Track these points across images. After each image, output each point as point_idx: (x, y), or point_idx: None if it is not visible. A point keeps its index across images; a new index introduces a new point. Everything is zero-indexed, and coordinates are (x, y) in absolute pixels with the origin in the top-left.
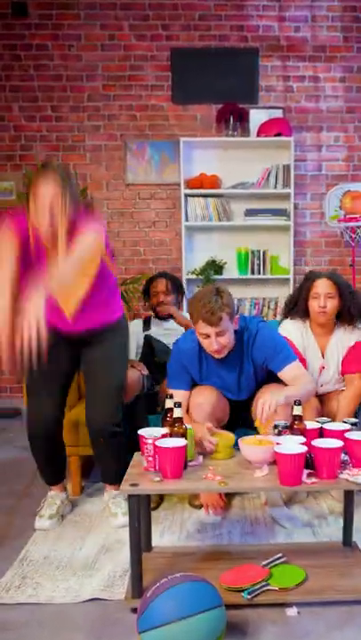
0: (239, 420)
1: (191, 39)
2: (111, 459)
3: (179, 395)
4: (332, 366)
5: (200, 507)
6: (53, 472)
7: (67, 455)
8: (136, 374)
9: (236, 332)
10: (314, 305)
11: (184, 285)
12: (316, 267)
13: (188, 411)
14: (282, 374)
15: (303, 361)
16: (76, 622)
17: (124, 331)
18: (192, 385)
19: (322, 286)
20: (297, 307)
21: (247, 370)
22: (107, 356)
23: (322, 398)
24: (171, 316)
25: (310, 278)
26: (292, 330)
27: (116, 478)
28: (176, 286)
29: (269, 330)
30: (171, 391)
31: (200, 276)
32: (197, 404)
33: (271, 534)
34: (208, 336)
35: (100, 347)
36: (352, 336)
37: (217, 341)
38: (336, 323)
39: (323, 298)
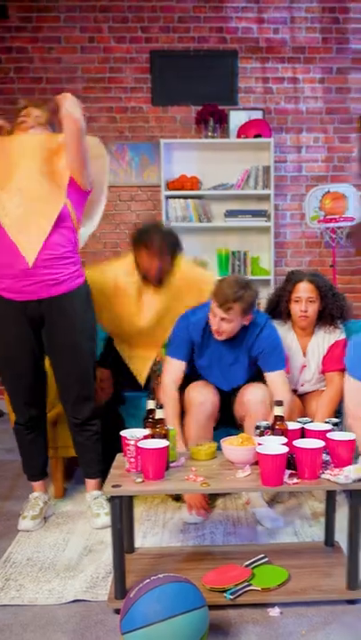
0: (222, 416)
1: (170, 41)
2: (91, 447)
3: (175, 364)
4: (313, 365)
5: (182, 500)
6: (37, 465)
7: (48, 456)
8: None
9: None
10: (295, 308)
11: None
12: (296, 268)
13: (176, 383)
14: (269, 375)
15: (288, 358)
16: (59, 624)
17: (85, 304)
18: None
19: (303, 290)
20: (278, 308)
21: (242, 360)
22: (71, 343)
23: (303, 398)
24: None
25: (292, 280)
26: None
27: (97, 469)
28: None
29: (275, 330)
30: (168, 359)
31: None
32: (199, 403)
33: (253, 535)
34: (215, 315)
35: (63, 329)
36: (333, 335)
37: (219, 324)
38: (317, 323)
39: (304, 302)
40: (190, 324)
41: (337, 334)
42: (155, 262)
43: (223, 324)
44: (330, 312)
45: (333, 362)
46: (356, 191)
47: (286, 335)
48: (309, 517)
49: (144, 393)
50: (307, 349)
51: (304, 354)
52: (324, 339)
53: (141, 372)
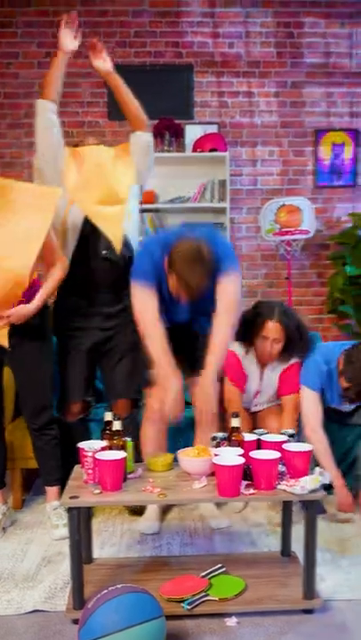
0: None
1: (127, 56)
2: (50, 452)
3: (145, 291)
4: (267, 391)
5: (138, 512)
6: None
7: (6, 467)
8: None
9: None
10: (261, 345)
11: None
12: (267, 299)
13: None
14: (221, 283)
15: (244, 376)
16: (18, 634)
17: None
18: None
19: (272, 331)
20: (244, 336)
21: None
22: (31, 354)
23: (257, 415)
24: None
25: (262, 316)
26: (237, 349)
27: (56, 477)
28: None
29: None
30: (138, 286)
31: None
32: (153, 426)
33: (210, 545)
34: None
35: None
36: (288, 364)
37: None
38: (278, 357)
39: (270, 343)
40: (154, 257)
41: (292, 361)
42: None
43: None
44: (293, 351)
45: (288, 385)
46: (311, 204)
47: (246, 357)
48: (266, 527)
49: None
50: (263, 375)
51: (261, 379)
52: (281, 367)
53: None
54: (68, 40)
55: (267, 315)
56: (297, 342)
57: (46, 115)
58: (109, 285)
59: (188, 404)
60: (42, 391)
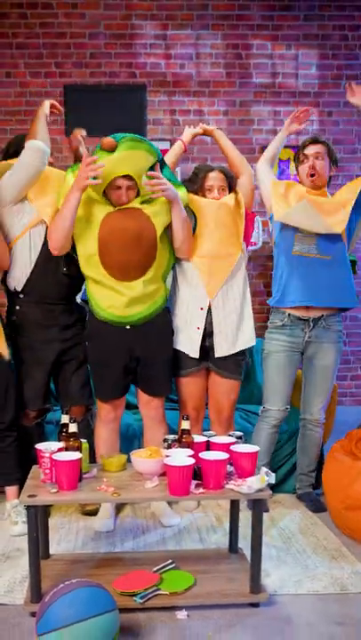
0: None
1: (83, 76)
2: (12, 453)
3: None
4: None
5: (92, 514)
6: None
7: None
8: None
9: None
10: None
11: None
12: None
13: None
14: None
15: None
16: None
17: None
18: None
19: (215, 179)
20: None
21: None
22: None
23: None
24: None
25: (202, 171)
26: None
27: (16, 476)
28: None
29: None
30: None
31: None
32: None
33: (162, 542)
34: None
35: None
36: None
37: None
38: None
39: (217, 192)
40: None
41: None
42: None
43: None
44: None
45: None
46: (259, 217)
47: None
48: (215, 525)
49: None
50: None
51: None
52: None
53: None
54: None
55: (205, 169)
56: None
57: (44, 157)
58: (66, 298)
59: (134, 407)
60: (4, 397)
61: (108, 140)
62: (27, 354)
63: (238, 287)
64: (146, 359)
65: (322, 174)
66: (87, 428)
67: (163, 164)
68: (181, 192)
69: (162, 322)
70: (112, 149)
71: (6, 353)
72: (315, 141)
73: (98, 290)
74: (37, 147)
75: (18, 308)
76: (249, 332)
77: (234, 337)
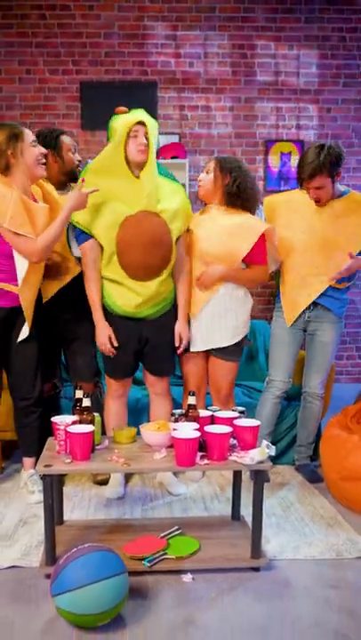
0: None
1: (98, 73)
2: (36, 428)
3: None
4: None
5: (103, 483)
6: None
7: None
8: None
9: None
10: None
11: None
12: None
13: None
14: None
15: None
16: None
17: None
18: None
19: (208, 164)
20: None
21: None
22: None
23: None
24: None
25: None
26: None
27: (36, 449)
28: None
29: None
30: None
31: None
32: (114, 407)
33: (169, 509)
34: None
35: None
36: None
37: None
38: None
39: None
40: None
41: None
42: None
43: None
44: (233, 198)
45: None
46: (261, 206)
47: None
48: (218, 494)
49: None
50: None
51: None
52: (229, 215)
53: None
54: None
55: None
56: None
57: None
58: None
59: (141, 383)
60: (34, 374)
61: (122, 107)
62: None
63: (227, 291)
64: (152, 343)
65: (325, 198)
66: (96, 402)
67: (157, 155)
68: (182, 197)
69: (169, 312)
70: (126, 112)
71: (29, 331)
72: (312, 176)
73: (115, 288)
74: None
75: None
76: (240, 325)
77: (227, 332)
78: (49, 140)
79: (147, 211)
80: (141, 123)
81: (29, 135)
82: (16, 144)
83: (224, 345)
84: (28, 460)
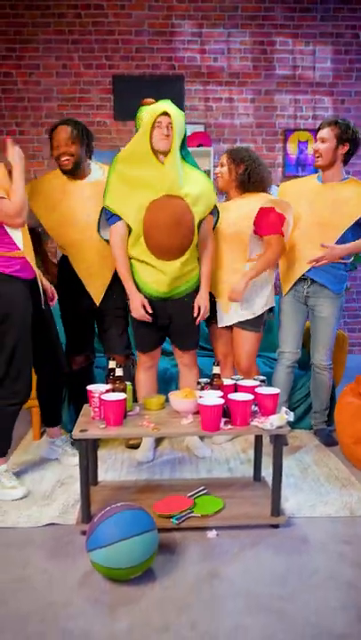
0: None
1: (129, 68)
2: (61, 399)
3: (118, 226)
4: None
5: (134, 447)
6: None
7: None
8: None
9: None
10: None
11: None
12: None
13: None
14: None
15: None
16: (36, 543)
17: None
18: None
19: (221, 157)
20: None
21: None
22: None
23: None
24: (77, 168)
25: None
26: None
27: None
28: (82, 134)
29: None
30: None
31: None
32: (143, 378)
33: (195, 471)
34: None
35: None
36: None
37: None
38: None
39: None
40: None
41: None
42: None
43: None
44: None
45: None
46: (275, 186)
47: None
48: (241, 457)
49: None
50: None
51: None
52: (242, 199)
53: (97, 295)
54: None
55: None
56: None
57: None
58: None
59: (170, 355)
60: (58, 344)
61: (148, 99)
62: (69, 304)
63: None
64: (177, 321)
65: (324, 155)
66: (128, 373)
67: (184, 144)
68: (206, 183)
69: (194, 292)
70: (152, 103)
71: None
72: (322, 126)
73: (143, 268)
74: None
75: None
76: (263, 300)
77: (250, 306)
78: None
79: (170, 194)
80: (165, 113)
81: None
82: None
83: (247, 318)
84: (56, 428)
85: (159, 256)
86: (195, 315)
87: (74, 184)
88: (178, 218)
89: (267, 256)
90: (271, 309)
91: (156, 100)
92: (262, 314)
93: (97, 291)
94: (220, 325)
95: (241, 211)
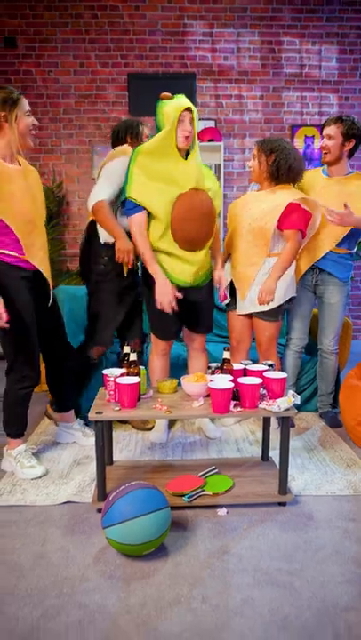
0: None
1: (143, 66)
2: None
3: (139, 217)
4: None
5: (148, 429)
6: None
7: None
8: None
9: None
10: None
11: None
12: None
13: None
14: None
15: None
16: (54, 520)
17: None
18: None
19: (254, 148)
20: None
21: None
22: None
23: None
24: None
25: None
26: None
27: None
28: None
29: None
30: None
31: None
32: (158, 363)
33: (206, 451)
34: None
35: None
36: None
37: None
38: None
39: (251, 159)
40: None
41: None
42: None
43: None
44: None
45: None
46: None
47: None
48: (250, 438)
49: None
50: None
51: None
52: (271, 192)
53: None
54: None
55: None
56: (275, 167)
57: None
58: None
59: (182, 341)
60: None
61: (166, 93)
62: (111, 298)
63: (270, 265)
64: (194, 306)
65: (331, 152)
66: (140, 358)
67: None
68: (215, 181)
69: (210, 280)
70: (170, 98)
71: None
72: (328, 123)
73: (170, 260)
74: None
75: (106, 258)
76: (282, 292)
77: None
78: None
79: (197, 188)
80: (188, 109)
81: (26, 104)
82: (12, 109)
83: (266, 309)
84: (71, 412)
85: (186, 247)
86: (216, 285)
87: None
88: (205, 210)
89: (286, 251)
90: (291, 299)
91: (173, 95)
92: (280, 304)
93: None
94: (238, 312)
95: (268, 205)
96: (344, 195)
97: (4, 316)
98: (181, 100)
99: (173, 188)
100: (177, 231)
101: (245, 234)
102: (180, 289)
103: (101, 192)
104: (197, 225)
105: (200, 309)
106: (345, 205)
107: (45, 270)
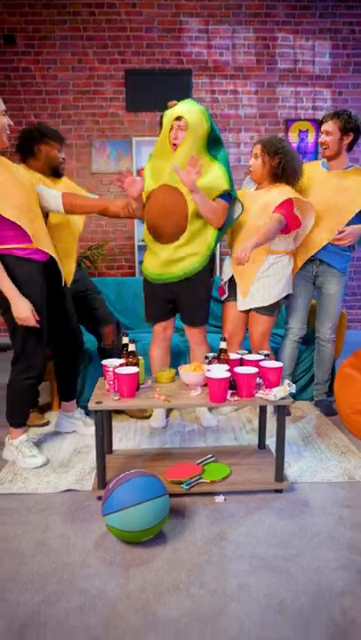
0: None
1: (140, 62)
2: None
3: None
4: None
5: (146, 417)
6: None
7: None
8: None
9: None
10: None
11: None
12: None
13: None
14: None
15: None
16: (55, 507)
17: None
18: None
19: (255, 147)
20: None
21: None
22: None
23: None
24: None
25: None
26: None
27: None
28: None
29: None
30: None
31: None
32: (156, 352)
33: (203, 440)
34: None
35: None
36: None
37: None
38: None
39: (253, 157)
40: None
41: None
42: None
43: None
44: (277, 174)
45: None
46: None
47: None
48: (247, 426)
49: None
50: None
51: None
52: (270, 189)
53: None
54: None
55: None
56: (277, 166)
57: None
58: None
59: (182, 330)
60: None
61: (172, 102)
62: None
63: (270, 261)
64: (183, 299)
65: (330, 147)
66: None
67: (212, 140)
68: (214, 176)
69: (201, 275)
70: (175, 105)
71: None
72: (325, 119)
73: (147, 251)
74: None
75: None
76: (280, 288)
77: (268, 293)
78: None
79: (167, 185)
80: (178, 117)
81: (1, 104)
82: None
83: (265, 304)
84: (73, 402)
85: (156, 239)
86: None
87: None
88: (170, 205)
89: (269, 224)
90: (287, 297)
91: (178, 99)
92: (278, 300)
93: (70, 270)
94: (239, 309)
95: (266, 203)
96: (342, 188)
97: (32, 320)
98: (175, 109)
99: (151, 183)
100: (146, 222)
101: (245, 232)
102: (155, 281)
103: None
104: (161, 219)
105: (190, 301)
106: (340, 231)
107: (55, 254)
